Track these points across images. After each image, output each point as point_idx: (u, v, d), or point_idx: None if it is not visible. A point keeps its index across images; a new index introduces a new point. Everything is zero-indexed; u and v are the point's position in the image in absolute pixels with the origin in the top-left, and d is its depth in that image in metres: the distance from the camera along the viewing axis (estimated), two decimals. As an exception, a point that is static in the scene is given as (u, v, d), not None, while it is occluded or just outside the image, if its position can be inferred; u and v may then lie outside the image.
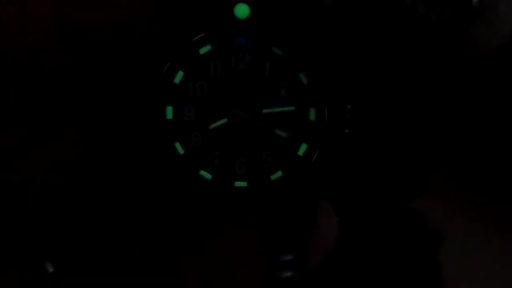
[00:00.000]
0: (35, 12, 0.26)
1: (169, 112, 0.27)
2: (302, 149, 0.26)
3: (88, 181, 0.27)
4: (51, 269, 0.27)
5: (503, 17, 0.25)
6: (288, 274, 0.26)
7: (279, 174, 0.27)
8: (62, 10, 0.26)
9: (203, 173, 0.27)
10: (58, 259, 0.27)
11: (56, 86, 0.26)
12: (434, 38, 0.24)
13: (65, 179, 0.26)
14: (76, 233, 0.27)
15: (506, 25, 0.25)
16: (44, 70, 0.26)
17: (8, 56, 0.26)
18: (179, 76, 0.26)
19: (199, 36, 0.26)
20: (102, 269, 0.26)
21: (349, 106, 0.26)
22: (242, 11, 0.25)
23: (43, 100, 0.27)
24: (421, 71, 0.25)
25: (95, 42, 0.26)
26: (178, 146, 0.27)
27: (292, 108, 0.26)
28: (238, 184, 0.27)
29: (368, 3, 0.26)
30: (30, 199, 0.26)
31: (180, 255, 0.26)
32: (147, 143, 0.27)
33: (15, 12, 0.26)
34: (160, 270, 0.26)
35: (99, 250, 0.27)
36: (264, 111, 0.26)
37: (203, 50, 0.26)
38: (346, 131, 0.26)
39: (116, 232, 0.27)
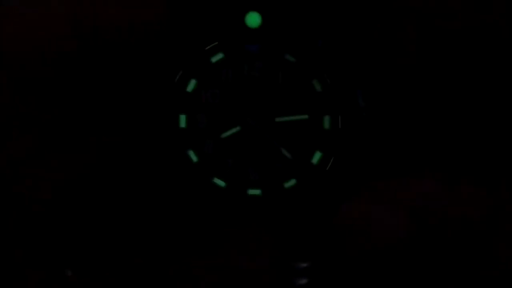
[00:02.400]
0: (47, 10, 0.26)
1: (183, 120, 0.26)
2: (316, 157, 0.26)
3: (102, 189, 0.27)
4: (69, 273, 0.27)
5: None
6: (303, 281, 0.26)
7: (293, 182, 0.26)
8: (74, 8, 0.26)
9: (217, 180, 0.27)
10: (74, 264, 0.27)
11: (66, 90, 0.26)
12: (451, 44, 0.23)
13: (78, 187, 0.27)
14: (88, 239, 0.28)
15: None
16: (53, 68, 0.26)
17: (16, 52, 0.26)
18: (191, 85, 0.26)
19: (212, 45, 0.26)
20: (116, 273, 0.27)
21: (364, 114, 0.25)
22: (253, 20, 0.25)
23: (55, 108, 0.27)
24: (436, 78, 0.24)
25: (106, 42, 0.26)
26: (191, 153, 0.27)
27: (306, 116, 0.26)
28: (252, 191, 0.27)
29: (379, 10, 0.25)
30: (42, 206, 0.26)
31: (192, 260, 0.26)
32: (161, 151, 0.27)
33: (26, 10, 0.26)
34: (172, 275, 0.26)
35: (111, 254, 0.27)
36: (277, 119, 0.26)
37: (215, 59, 0.26)
38: (361, 138, 0.25)
39: (127, 238, 0.27)
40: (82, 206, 0.27)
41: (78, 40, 0.26)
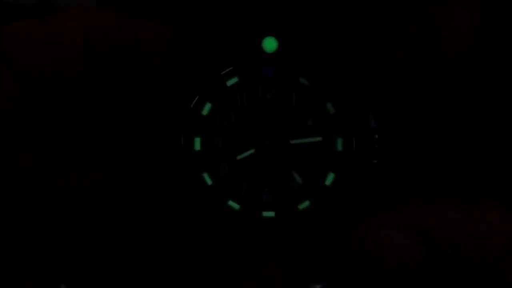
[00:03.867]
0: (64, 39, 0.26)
1: (197, 143, 0.27)
2: (330, 178, 0.27)
3: (110, 205, 0.27)
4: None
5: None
6: (317, 303, 0.26)
7: (306, 203, 0.27)
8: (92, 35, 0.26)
9: (231, 203, 0.27)
10: (74, 280, 0.27)
11: (77, 108, 0.26)
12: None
13: (85, 203, 0.26)
14: (95, 254, 0.27)
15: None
16: (65, 92, 0.26)
17: (33, 74, 0.26)
18: (207, 108, 0.27)
19: (228, 69, 0.26)
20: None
21: (376, 136, 0.26)
22: (270, 44, 0.26)
23: (65, 122, 0.27)
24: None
25: (118, 69, 0.26)
26: (206, 176, 0.27)
27: (319, 139, 0.26)
28: (266, 214, 0.27)
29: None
30: (47, 219, 0.26)
31: (204, 282, 0.26)
32: (175, 174, 0.27)
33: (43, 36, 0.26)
34: None
35: (120, 271, 0.27)
36: (291, 142, 0.27)
37: (230, 82, 0.27)
38: (374, 161, 0.26)
39: (138, 256, 0.27)
40: (91, 222, 0.27)
41: (91, 63, 0.26)
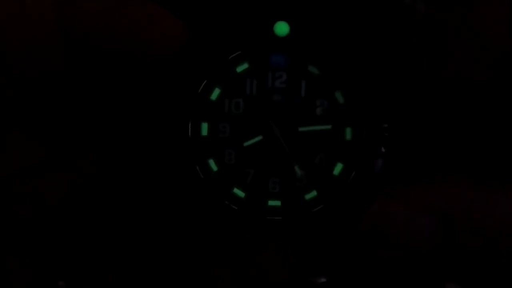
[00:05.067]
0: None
1: (204, 128, 0.26)
2: (338, 168, 0.26)
3: (112, 199, 0.27)
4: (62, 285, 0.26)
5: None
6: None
7: (314, 193, 0.26)
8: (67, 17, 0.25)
9: (236, 191, 0.26)
10: (75, 275, 0.26)
11: (65, 95, 0.26)
12: None
13: (86, 198, 0.26)
14: (98, 249, 0.27)
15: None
16: (44, 72, 0.25)
17: (8, 59, 0.24)
18: (215, 93, 0.26)
19: (236, 53, 0.26)
20: (130, 284, 0.26)
21: (386, 125, 0.26)
22: (282, 28, 0.26)
23: (63, 118, 0.26)
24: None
25: (100, 48, 0.25)
26: (212, 163, 0.27)
27: (329, 127, 0.26)
28: (271, 203, 0.26)
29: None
30: (48, 216, 0.25)
31: (213, 270, 0.25)
32: (181, 160, 0.26)
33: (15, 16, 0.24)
34: (192, 285, 0.25)
35: (125, 264, 0.26)
36: (300, 129, 0.26)
37: (240, 68, 0.26)
38: (383, 150, 0.26)
39: (142, 248, 0.27)
40: (91, 217, 0.27)
41: (75, 49, 0.25)
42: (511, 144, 0.24)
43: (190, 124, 0.26)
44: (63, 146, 0.27)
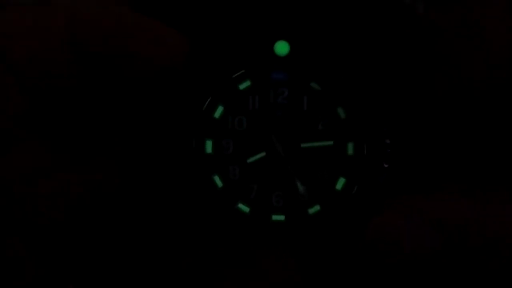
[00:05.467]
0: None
1: (209, 146, 0.27)
2: (340, 183, 0.27)
3: (119, 207, 0.27)
4: None
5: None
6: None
7: (317, 208, 0.27)
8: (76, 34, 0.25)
9: (241, 206, 0.27)
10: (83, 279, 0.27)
11: (75, 105, 0.26)
12: None
13: (90, 206, 0.26)
14: (105, 254, 0.27)
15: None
16: (55, 83, 0.25)
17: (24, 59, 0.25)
18: (219, 111, 0.27)
19: (239, 72, 0.26)
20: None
21: (388, 141, 0.26)
22: (282, 48, 0.26)
23: (70, 126, 0.27)
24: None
25: (108, 59, 0.25)
26: (217, 179, 0.27)
27: (330, 143, 0.26)
28: (275, 217, 0.27)
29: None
30: (53, 223, 0.26)
31: (217, 283, 0.26)
32: (186, 176, 0.27)
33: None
34: None
35: (129, 275, 0.27)
36: (302, 145, 0.27)
37: (243, 86, 0.27)
38: (386, 166, 0.26)
39: (148, 254, 0.27)
40: (97, 223, 0.27)
41: (85, 63, 0.25)
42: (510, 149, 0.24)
43: (194, 142, 0.27)
44: (72, 154, 0.27)
